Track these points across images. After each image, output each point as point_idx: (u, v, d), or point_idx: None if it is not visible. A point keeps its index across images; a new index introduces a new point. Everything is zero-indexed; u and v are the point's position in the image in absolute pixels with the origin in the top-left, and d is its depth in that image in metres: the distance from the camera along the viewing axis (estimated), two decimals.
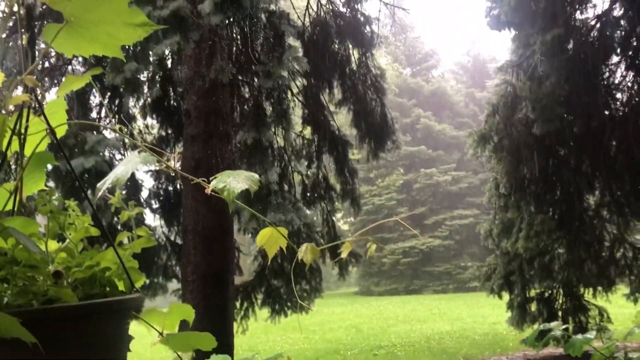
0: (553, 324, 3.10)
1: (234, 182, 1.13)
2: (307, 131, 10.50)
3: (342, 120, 11.99)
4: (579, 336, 3.00)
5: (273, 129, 7.43)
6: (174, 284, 9.86)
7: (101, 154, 6.93)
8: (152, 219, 10.52)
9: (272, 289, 9.78)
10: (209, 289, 6.81)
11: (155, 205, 10.19)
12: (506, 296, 10.84)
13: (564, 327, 3.12)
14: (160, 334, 1.21)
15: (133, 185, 9.39)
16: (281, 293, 9.81)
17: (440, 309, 22.51)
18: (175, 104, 9.68)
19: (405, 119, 38.96)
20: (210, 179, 1.14)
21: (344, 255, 1.89)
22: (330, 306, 26.94)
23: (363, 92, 9.91)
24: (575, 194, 10.51)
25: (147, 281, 9.71)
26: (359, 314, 22.23)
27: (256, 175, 1.18)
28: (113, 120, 9.80)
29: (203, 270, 6.84)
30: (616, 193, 10.91)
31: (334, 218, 10.09)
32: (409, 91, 40.69)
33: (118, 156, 9.18)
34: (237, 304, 9.70)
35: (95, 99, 9.76)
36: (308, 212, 10.21)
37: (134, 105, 10.23)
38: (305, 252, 1.81)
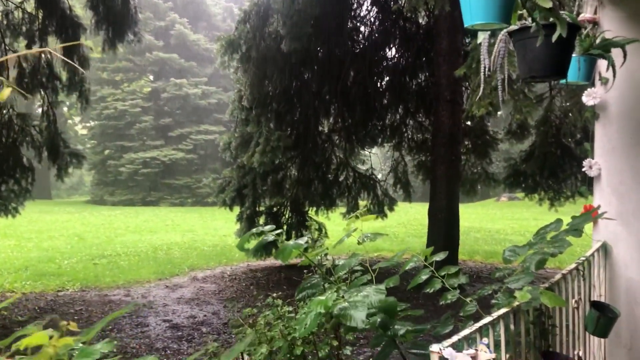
0: (266, 227, 2.90)
1: None
2: (30, 5, 8.78)
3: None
4: (290, 242, 2.85)
5: None
6: None
7: None
8: None
9: None
10: None
11: None
12: (237, 209, 10.98)
13: (277, 232, 2.95)
14: None
15: None
16: None
17: (175, 221, 22.31)
18: None
19: (159, 22, 36.56)
20: None
21: None
22: (55, 214, 24.70)
23: None
24: (312, 117, 10.93)
25: None
26: (85, 223, 20.72)
27: None
28: None
29: None
30: (347, 120, 11.70)
31: (55, 111, 8.75)
32: None
33: None
34: None
35: None
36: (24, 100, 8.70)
37: None
38: None
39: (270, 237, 2.73)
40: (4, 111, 8.36)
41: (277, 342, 3.18)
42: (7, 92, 1.17)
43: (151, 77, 37.65)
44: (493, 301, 2.98)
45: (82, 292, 9.01)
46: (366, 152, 13.10)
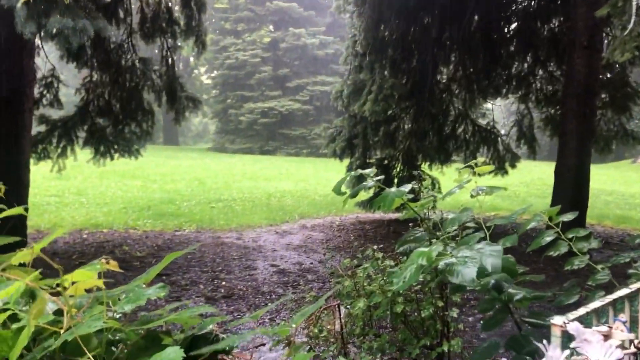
0: (367, 170, 2.63)
1: None
2: None
3: None
4: (393, 189, 2.56)
5: None
6: None
7: None
8: None
9: (97, 128, 8.70)
10: None
11: None
12: (348, 160, 10.81)
13: (378, 177, 2.66)
14: None
15: None
16: (107, 133, 8.77)
17: (289, 170, 22.74)
18: None
19: None
20: None
21: None
22: (180, 159, 26.17)
23: None
24: (430, 64, 10.33)
25: None
26: (206, 169, 21.73)
27: None
28: None
29: None
30: (469, 69, 10.95)
31: (174, 56, 8.96)
32: None
33: None
34: (54, 141, 8.53)
35: None
36: (145, 45, 8.99)
37: None
38: None
39: (370, 183, 2.46)
40: (128, 55, 8.69)
41: (376, 297, 2.95)
42: None
43: (271, 27, 38.09)
44: (631, 271, 2.53)
45: (198, 233, 9.39)
46: (488, 105, 12.27)
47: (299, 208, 12.38)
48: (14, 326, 0.99)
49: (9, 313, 1.00)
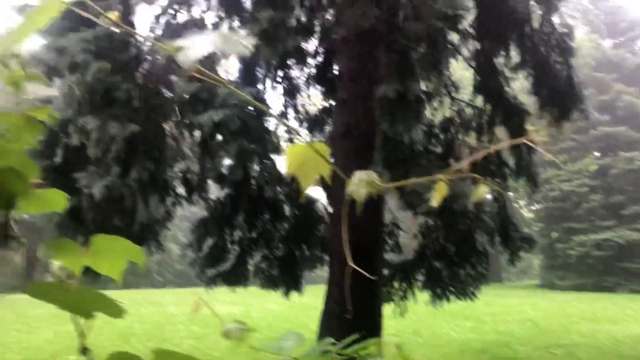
0: None
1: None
2: (478, 100, 9.54)
3: (519, 86, 10.69)
4: None
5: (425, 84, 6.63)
6: None
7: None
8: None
9: (433, 271, 9.11)
10: (356, 263, 6.37)
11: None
12: None
13: None
14: None
15: None
16: (442, 276, 9.09)
17: (637, 310, 19.65)
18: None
19: (603, 96, 34.70)
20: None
21: (435, 202, 1.26)
22: (507, 297, 25.21)
23: (545, 54, 8.64)
24: None
25: (307, 253, 9.72)
26: (537, 308, 20.35)
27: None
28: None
29: (350, 241, 6.40)
30: None
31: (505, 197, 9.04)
32: (609, 65, 36.05)
33: None
34: (396, 284, 9.23)
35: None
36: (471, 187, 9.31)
37: (298, 77, 10.27)
38: (358, 183, 1.23)
39: None
40: (459, 200, 9.10)
41: None
42: (482, 190, 1.11)
43: (596, 154, 35.69)
44: None
45: None
46: None
47: None
48: None
49: None
